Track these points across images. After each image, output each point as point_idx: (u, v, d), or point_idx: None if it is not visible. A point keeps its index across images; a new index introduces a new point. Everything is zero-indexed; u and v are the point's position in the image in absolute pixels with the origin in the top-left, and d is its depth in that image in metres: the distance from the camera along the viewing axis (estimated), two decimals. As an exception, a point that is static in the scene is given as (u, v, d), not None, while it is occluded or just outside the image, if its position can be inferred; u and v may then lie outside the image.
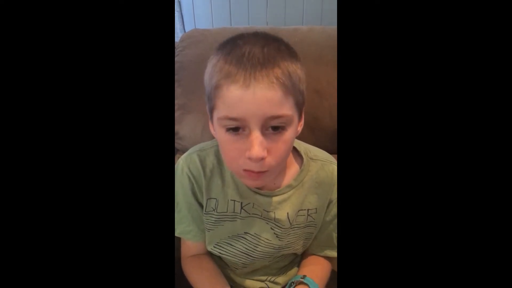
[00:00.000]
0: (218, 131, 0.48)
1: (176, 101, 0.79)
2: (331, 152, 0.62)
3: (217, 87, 0.45)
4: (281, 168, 0.54)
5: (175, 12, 1.35)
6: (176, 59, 0.81)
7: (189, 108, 0.78)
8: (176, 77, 0.79)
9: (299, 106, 0.48)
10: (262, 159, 0.44)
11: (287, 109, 0.45)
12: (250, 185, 0.54)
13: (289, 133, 0.46)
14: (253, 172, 0.46)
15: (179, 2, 1.35)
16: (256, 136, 0.44)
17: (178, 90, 0.79)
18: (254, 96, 0.42)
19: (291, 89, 0.44)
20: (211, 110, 0.48)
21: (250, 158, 0.44)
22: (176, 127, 0.79)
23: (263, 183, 0.51)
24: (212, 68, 0.46)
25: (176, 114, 0.78)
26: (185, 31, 1.32)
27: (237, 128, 0.45)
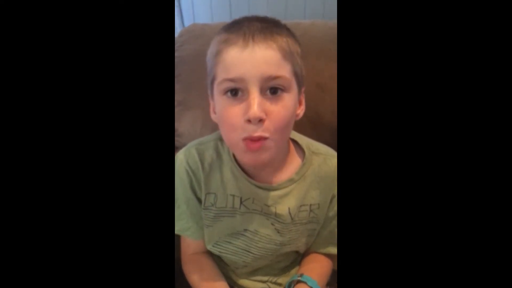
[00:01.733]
0: (217, 100, 0.48)
1: (175, 97, 0.78)
2: (333, 148, 0.61)
3: (216, 54, 0.46)
4: (281, 149, 0.53)
5: (175, 7, 1.33)
6: (175, 54, 0.80)
7: (188, 104, 0.77)
8: (175, 72, 0.78)
9: (298, 78, 0.48)
10: (261, 120, 0.44)
11: (286, 71, 0.45)
12: (250, 160, 0.49)
13: (289, 98, 0.46)
14: (252, 140, 0.45)
15: (178, -3, 1.34)
16: (254, 96, 0.44)
17: (176, 86, 0.78)
18: (252, 55, 0.43)
19: (289, 54, 0.45)
20: (212, 83, 0.48)
21: (249, 120, 0.44)
22: (175, 124, 0.78)
23: (263, 157, 0.47)
24: (212, 43, 0.48)
25: (175, 110, 0.77)
26: (184, 26, 1.31)
27: (236, 92, 0.45)
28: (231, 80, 0.44)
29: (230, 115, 0.46)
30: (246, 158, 0.49)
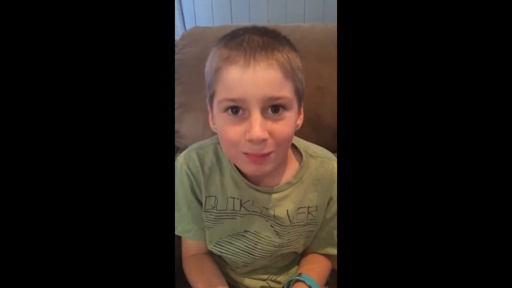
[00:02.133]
0: (217, 116, 0.47)
1: (176, 99, 0.78)
2: (333, 150, 0.61)
3: (217, 71, 0.45)
4: (282, 160, 0.53)
5: (176, 10, 1.34)
6: (176, 56, 0.81)
7: (189, 106, 0.78)
8: (176, 75, 0.79)
9: (299, 95, 0.48)
10: (264, 140, 0.44)
11: (287, 91, 0.45)
12: (251, 171, 0.50)
13: (290, 116, 0.46)
14: (255, 155, 0.46)
15: (180, 0, 1.35)
16: (256, 117, 0.43)
17: (178, 88, 0.78)
18: (254, 76, 0.42)
19: (290, 73, 0.45)
20: (211, 97, 0.48)
21: (251, 140, 0.44)
22: (177, 126, 0.78)
23: (265, 169, 0.48)
24: (212, 57, 0.47)
25: (177, 112, 0.78)
26: (185, 29, 1.32)
27: (236, 110, 0.44)
28: (232, 100, 0.44)
29: (231, 134, 0.46)
30: (248, 169, 0.50)
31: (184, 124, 0.78)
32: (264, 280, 0.64)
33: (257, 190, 0.56)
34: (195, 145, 0.60)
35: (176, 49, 0.82)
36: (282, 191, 0.56)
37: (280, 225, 0.57)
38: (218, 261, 0.64)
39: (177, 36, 0.87)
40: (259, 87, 0.42)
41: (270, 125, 0.44)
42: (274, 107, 0.44)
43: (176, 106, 0.78)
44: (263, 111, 0.44)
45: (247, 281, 0.64)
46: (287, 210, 0.57)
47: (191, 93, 0.78)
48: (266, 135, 0.44)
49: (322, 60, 0.75)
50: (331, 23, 0.84)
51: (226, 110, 0.45)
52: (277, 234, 0.58)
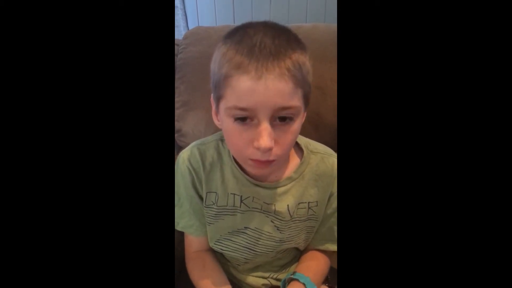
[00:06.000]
0: (225, 120, 0.48)
1: (179, 98, 0.79)
2: (333, 149, 0.62)
3: (227, 77, 0.44)
4: (285, 159, 0.54)
5: (179, 9, 1.35)
6: (179, 56, 0.81)
7: (192, 105, 0.78)
8: (179, 74, 0.80)
9: (306, 98, 0.48)
10: (270, 149, 0.45)
11: (297, 100, 0.45)
12: (256, 173, 0.55)
13: (296, 124, 0.47)
14: (260, 161, 0.47)
15: (183, 0, 1.35)
16: (265, 127, 0.44)
17: (181, 87, 0.79)
18: (265, 87, 0.42)
19: (301, 81, 0.45)
20: (218, 99, 0.48)
21: (258, 149, 0.44)
22: (179, 124, 0.79)
23: (268, 172, 0.52)
24: (221, 57, 0.46)
25: (179, 111, 0.79)
26: (188, 29, 1.33)
27: (245, 118, 0.45)
28: (242, 109, 0.44)
29: (239, 139, 0.46)
30: (252, 171, 0.53)
31: (186, 123, 0.78)
32: (265, 278, 0.64)
33: (258, 186, 0.56)
34: (198, 141, 0.60)
35: (179, 49, 0.82)
36: (283, 186, 0.57)
37: (281, 220, 0.58)
38: (220, 258, 0.65)
39: (180, 36, 0.88)
40: (269, 98, 0.42)
41: (277, 133, 0.45)
42: (282, 117, 0.45)
43: (178, 105, 0.79)
44: (271, 120, 0.44)
45: (249, 278, 0.64)
46: (288, 205, 0.57)
47: (193, 92, 0.78)
48: (273, 144, 0.44)
49: (323, 60, 0.75)
50: (333, 24, 0.84)
51: (235, 120, 0.45)
52: (277, 229, 0.58)
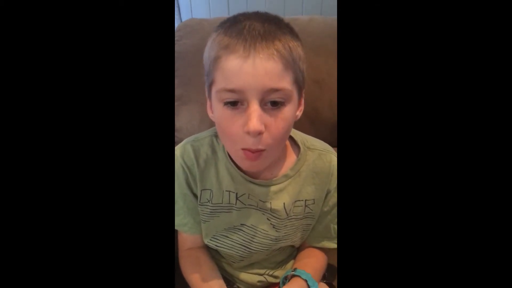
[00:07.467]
0: (216, 106, 0.47)
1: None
2: (330, 144, 0.61)
3: (216, 59, 0.44)
4: (279, 153, 0.53)
5: (172, 1, 1.33)
6: (172, 49, 0.80)
7: (186, 99, 0.77)
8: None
9: (299, 85, 0.47)
10: (260, 133, 0.44)
11: (287, 83, 0.44)
12: (247, 167, 0.51)
13: (288, 110, 0.46)
14: (250, 151, 0.45)
15: (176, -8, 1.33)
16: (255, 109, 0.43)
17: (174, 81, 0.77)
18: (253, 66, 0.41)
19: (291, 63, 0.44)
20: (210, 86, 0.47)
21: (248, 132, 0.43)
22: (173, 119, 0.78)
23: (260, 166, 0.50)
24: (211, 43, 0.46)
25: (173, 105, 0.77)
26: (181, 21, 1.30)
27: (235, 102, 0.44)
28: (231, 90, 0.43)
29: (229, 126, 0.45)
30: (244, 165, 0.50)
31: (180, 118, 0.77)
32: (261, 274, 0.64)
33: (253, 183, 0.55)
34: (191, 137, 0.59)
35: (172, 41, 0.81)
36: (279, 183, 0.56)
37: (277, 218, 0.57)
38: (214, 255, 0.64)
39: (173, 28, 0.86)
40: (258, 78, 0.42)
41: (268, 118, 0.44)
42: (273, 101, 0.44)
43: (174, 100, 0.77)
44: (262, 103, 0.43)
45: (244, 275, 0.64)
46: (284, 203, 0.56)
47: (187, 86, 0.77)
48: (262, 128, 0.43)
49: (320, 53, 0.74)
50: (330, 16, 0.83)
51: (225, 103, 0.44)
52: (273, 227, 0.57)
